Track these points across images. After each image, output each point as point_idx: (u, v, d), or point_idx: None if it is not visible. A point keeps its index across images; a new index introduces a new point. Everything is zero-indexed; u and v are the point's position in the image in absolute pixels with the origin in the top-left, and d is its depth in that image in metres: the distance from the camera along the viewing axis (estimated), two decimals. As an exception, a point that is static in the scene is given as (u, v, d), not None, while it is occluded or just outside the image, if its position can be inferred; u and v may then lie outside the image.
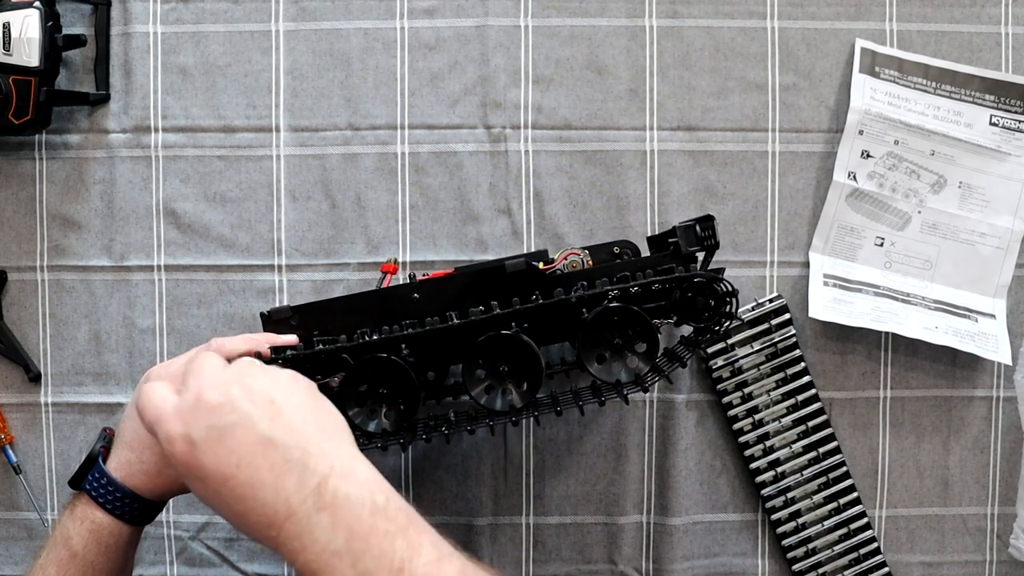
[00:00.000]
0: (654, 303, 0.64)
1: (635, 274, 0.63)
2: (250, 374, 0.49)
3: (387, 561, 0.43)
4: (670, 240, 0.66)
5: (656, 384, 0.77)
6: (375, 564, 0.43)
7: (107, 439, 0.62)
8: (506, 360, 0.61)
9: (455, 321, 0.60)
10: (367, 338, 0.60)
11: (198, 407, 0.47)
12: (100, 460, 0.59)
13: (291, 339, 0.63)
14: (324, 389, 0.60)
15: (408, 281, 0.67)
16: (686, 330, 0.74)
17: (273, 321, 0.66)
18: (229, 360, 0.56)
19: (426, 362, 0.63)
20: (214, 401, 0.46)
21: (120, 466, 0.59)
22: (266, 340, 0.62)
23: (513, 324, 0.61)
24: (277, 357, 0.59)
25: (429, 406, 0.72)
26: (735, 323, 0.66)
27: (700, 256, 0.66)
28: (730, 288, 0.63)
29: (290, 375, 0.50)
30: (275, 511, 0.44)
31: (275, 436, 0.46)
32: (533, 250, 0.77)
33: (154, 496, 0.59)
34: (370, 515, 0.44)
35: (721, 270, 0.64)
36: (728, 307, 0.63)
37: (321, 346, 0.59)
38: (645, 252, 0.71)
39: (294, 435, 0.46)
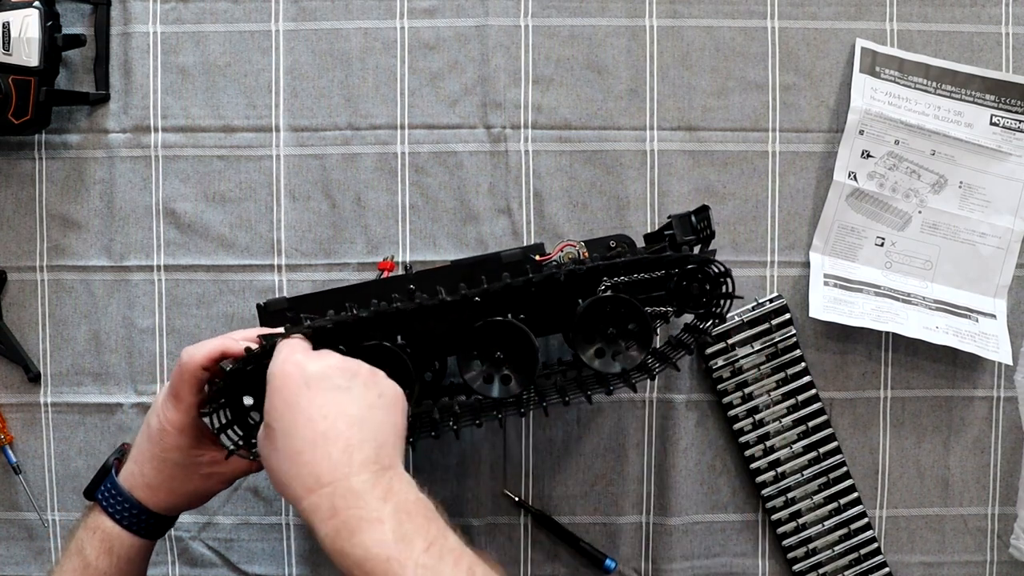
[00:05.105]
0: (651, 293, 0.63)
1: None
2: (372, 369, 0.54)
3: (424, 532, 0.48)
4: (666, 232, 0.66)
5: (658, 376, 0.77)
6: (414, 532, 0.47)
7: (123, 453, 0.62)
8: (501, 347, 0.61)
9: (444, 296, 0.59)
10: (355, 312, 0.59)
11: (324, 359, 0.52)
12: (113, 471, 0.60)
13: (277, 332, 0.62)
14: None
15: (405, 272, 0.67)
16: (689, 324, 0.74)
17: (269, 312, 0.65)
18: (208, 367, 0.58)
19: (422, 355, 0.62)
20: (340, 363, 0.52)
21: (126, 478, 0.59)
22: (242, 337, 0.60)
23: (509, 315, 0.60)
24: (266, 345, 0.57)
25: (427, 406, 0.72)
26: (734, 314, 0.66)
27: (697, 249, 0.66)
28: (723, 268, 0.62)
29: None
30: (333, 472, 0.48)
31: (366, 419, 0.51)
32: None
33: (159, 509, 0.59)
34: (414, 503, 0.49)
35: (713, 251, 0.64)
36: (724, 287, 0.63)
37: (309, 323, 0.58)
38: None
39: (377, 430, 0.51)
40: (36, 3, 0.71)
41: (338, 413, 0.50)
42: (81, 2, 0.77)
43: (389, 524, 0.47)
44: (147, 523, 0.59)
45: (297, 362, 0.52)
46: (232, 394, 0.59)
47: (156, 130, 0.78)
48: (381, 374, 0.54)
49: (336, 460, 0.48)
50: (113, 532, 0.58)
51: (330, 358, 0.53)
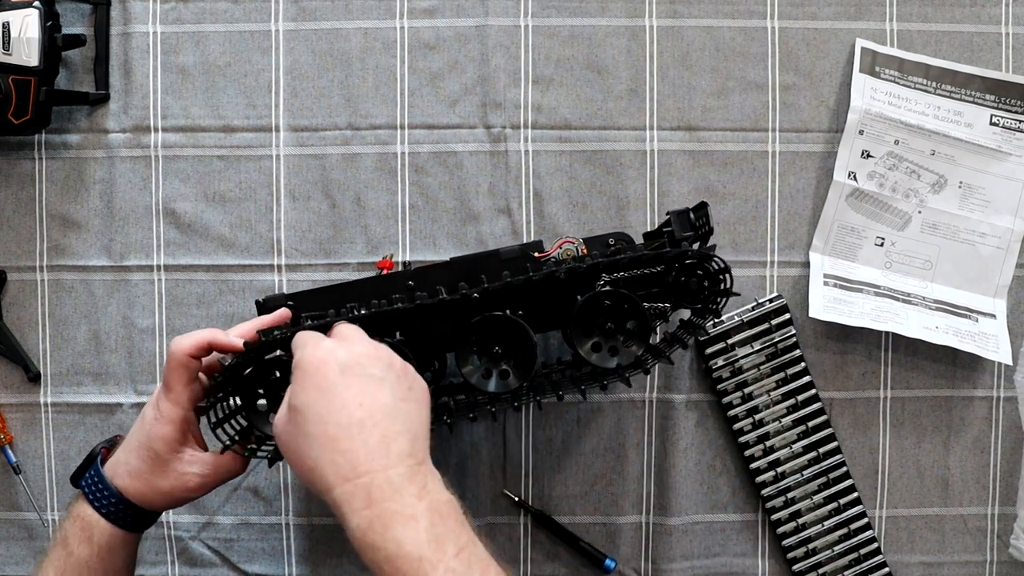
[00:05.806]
0: (649, 289, 0.63)
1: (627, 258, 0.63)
2: (403, 362, 0.54)
3: (455, 536, 0.47)
4: (664, 229, 0.66)
5: (658, 376, 0.77)
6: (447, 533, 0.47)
7: (113, 443, 0.62)
8: (499, 342, 0.61)
9: (443, 295, 0.60)
10: (356, 313, 0.59)
11: (353, 345, 0.52)
12: (99, 460, 0.60)
13: (276, 323, 0.62)
14: None
15: (403, 268, 0.67)
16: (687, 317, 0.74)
17: (268, 309, 0.65)
18: (196, 355, 0.58)
19: (421, 351, 0.62)
20: (372, 352, 0.52)
21: (111, 465, 0.59)
22: (238, 333, 0.60)
23: (507, 311, 0.61)
24: (265, 340, 0.57)
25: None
26: (734, 313, 0.66)
27: (696, 246, 0.66)
28: (722, 264, 0.63)
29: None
30: (371, 462, 0.48)
31: (400, 411, 0.51)
32: None
33: (136, 500, 0.58)
34: (446, 504, 0.49)
35: (713, 247, 0.64)
36: (722, 284, 0.63)
37: (309, 322, 0.58)
38: (642, 248, 0.70)
39: (410, 423, 0.51)
40: (36, 3, 0.71)
41: (374, 403, 0.50)
42: (81, 2, 0.77)
43: (423, 523, 0.46)
44: (124, 513, 0.58)
45: (329, 348, 0.51)
46: (230, 389, 0.59)
47: (156, 130, 0.78)
48: (411, 367, 0.54)
49: (373, 450, 0.48)
50: (92, 520, 0.58)
51: (357, 345, 0.53)
